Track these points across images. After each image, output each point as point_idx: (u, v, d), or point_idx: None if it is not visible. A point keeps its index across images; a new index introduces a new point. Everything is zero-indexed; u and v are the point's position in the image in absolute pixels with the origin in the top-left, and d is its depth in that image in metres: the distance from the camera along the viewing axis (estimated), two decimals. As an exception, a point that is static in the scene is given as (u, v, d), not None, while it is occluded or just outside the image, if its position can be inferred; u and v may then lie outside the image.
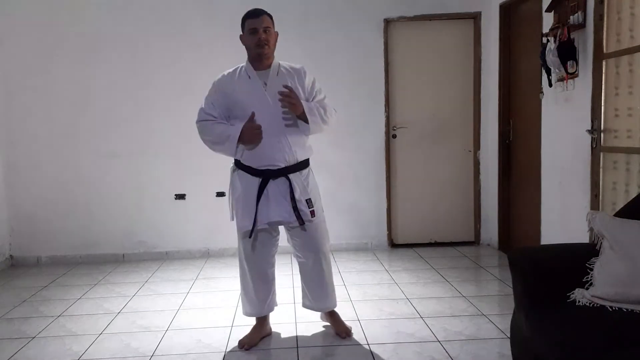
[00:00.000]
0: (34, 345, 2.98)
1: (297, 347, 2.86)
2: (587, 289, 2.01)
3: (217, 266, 4.56)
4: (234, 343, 2.91)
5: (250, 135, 2.71)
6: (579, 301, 1.99)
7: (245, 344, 2.86)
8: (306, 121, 2.73)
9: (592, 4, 3.16)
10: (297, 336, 3.00)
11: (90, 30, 4.70)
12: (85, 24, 4.70)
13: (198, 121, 2.84)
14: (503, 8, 4.52)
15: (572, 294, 2.03)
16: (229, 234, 4.83)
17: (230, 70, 2.88)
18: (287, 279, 4.05)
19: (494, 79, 4.67)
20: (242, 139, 2.72)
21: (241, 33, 2.82)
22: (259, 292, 2.94)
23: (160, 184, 4.84)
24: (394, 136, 4.94)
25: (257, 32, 2.72)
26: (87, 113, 4.76)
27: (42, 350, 2.91)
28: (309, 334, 3.03)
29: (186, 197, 4.86)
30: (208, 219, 4.86)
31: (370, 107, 4.82)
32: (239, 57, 4.60)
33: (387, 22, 4.80)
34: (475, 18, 4.82)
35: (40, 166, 4.78)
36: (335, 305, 3.04)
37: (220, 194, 4.85)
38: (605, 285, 1.96)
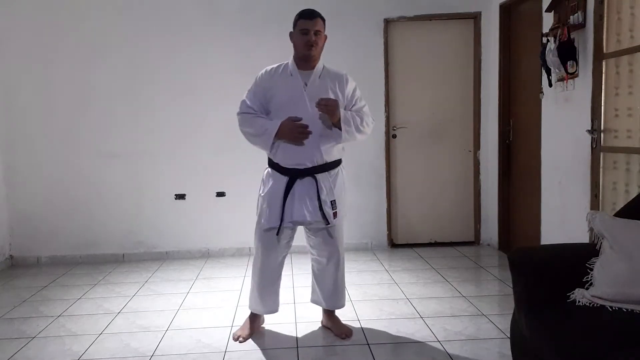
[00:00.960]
0: (34, 345, 2.98)
1: (297, 347, 2.86)
2: (587, 289, 2.01)
3: (217, 266, 4.56)
4: (234, 343, 2.92)
5: (289, 132, 2.72)
6: (579, 301, 1.99)
7: (240, 336, 2.93)
8: (340, 129, 2.74)
9: (592, 4, 3.16)
10: (297, 336, 3.00)
11: (90, 30, 4.70)
12: (85, 25, 4.70)
13: (239, 113, 2.87)
14: (503, 8, 4.52)
15: (572, 294, 2.03)
16: (229, 234, 4.86)
17: (275, 65, 2.89)
18: (287, 279, 4.04)
19: (494, 79, 4.67)
20: (279, 135, 2.74)
21: (291, 30, 2.82)
22: (264, 291, 2.97)
23: (160, 184, 4.83)
24: (394, 136, 4.94)
25: (308, 33, 2.73)
26: (87, 113, 4.76)
27: (42, 350, 2.91)
28: (309, 334, 3.03)
29: (186, 197, 4.86)
30: (208, 219, 4.86)
31: (370, 107, 4.74)
32: (239, 57, 4.66)
33: (387, 22, 4.80)
34: (475, 18, 4.82)
35: (40, 166, 4.78)
36: (343, 305, 3.06)
37: (220, 194, 4.86)
38: (605, 285, 1.96)
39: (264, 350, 2.84)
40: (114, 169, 4.80)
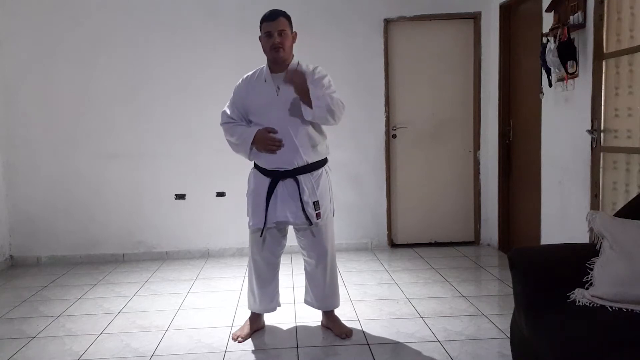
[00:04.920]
0: (34, 345, 2.98)
1: (297, 347, 2.86)
2: (587, 289, 2.01)
3: (217, 266, 4.56)
4: (234, 343, 2.92)
5: (262, 142, 2.74)
6: (579, 301, 1.99)
7: (239, 337, 2.94)
8: (310, 106, 2.66)
9: (592, 4, 3.16)
10: (297, 336, 3.00)
11: (90, 31, 4.70)
12: (84, 25, 4.70)
13: (221, 124, 2.93)
14: (503, 8, 4.52)
15: (572, 294, 2.02)
16: (229, 234, 4.86)
17: (250, 73, 2.92)
18: (287, 279, 4.05)
19: (494, 79, 4.67)
20: (255, 143, 2.77)
21: (260, 34, 2.81)
22: (259, 290, 3.00)
23: (160, 184, 4.83)
24: (394, 136, 4.94)
25: (271, 35, 2.73)
26: (87, 113, 4.76)
27: (42, 350, 2.91)
28: (309, 334, 3.03)
29: (186, 197, 4.86)
30: (208, 219, 4.86)
31: (370, 107, 4.83)
32: (239, 57, 4.66)
33: (387, 22, 4.80)
34: (475, 18, 4.82)
35: (40, 166, 4.78)
36: (336, 306, 3.06)
37: (220, 194, 4.86)
38: (605, 285, 1.95)
39: (264, 350, 2.84)
40: (114, 169, 4.80)
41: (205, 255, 4.90)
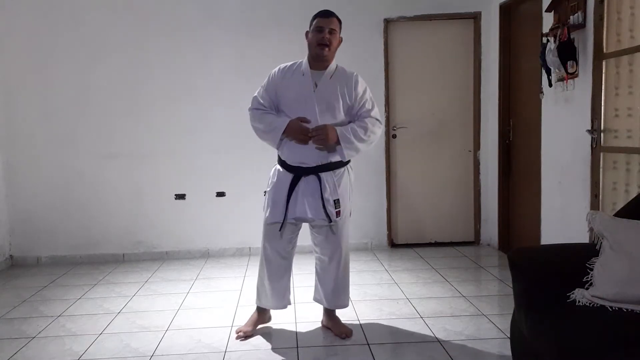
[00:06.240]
0: (34, 345, 2.98)
1: (297, 347, 2.86)
2: (587, 289, 2.01)
3: (217, 266, 4.56)
4: (234, 343, 2.92)
5: (294, 133, 2.76)
6: (579, 301, 1.99)
7: (241, 331, 2.96)
8: (343, 153, 2.80)
9: (592, 4, 3.16)
10: (297, 336, 3.00)
11: (90, 31, 4.70)
12: (84, 25, 4.70)
13: (250, 109, 2.93)
14: (503, 8, 4.52)
15: (572, 294, 2.02)
16: (229, 234, 4.86)
17: (289, 63, 2.93)
18: (287, 279, 4.05)
19: (494, 79, 4.67)
20: (286, 133, 2.78)
21: (307, 30, 2.86)
22: (270, 285, 2.99)
23: (160, 184, 4.83)
24: (394, 136, 4.94)
25: (322, 30, 2.77)
26: (87, 113, 4.76)
27: (42, 350, 2.91)
28: (309, 334, 3.03)
29: (186, 197, 4.86)
30: (208, 219, 4.86)
31: (370, 107, 4.82)
32: (238, 58, 4.66)
33: (387, 22, 4.80)
34: (475, 18, 4.82)
35: (40, 166, 4.78)
36: (345, 305, 3.07)
37: (220, 194, 4.86)
38: (605, 285, 1.96)
39: (264, 350, 2.84)
40: (114, 169, 4.80)
41: (205, 255, 4.90)
